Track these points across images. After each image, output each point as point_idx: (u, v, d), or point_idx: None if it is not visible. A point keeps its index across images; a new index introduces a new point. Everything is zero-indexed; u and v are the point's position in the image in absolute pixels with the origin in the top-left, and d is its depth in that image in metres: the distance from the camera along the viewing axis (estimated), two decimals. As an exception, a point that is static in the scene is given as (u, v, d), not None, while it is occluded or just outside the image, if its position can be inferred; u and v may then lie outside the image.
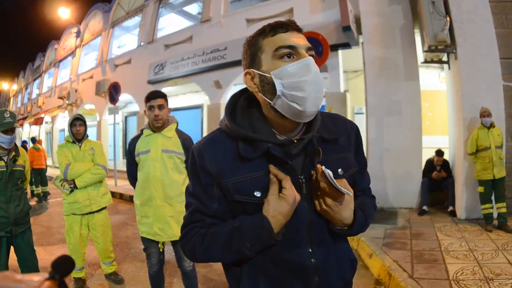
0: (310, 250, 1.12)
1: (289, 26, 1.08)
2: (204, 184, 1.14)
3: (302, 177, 1.11)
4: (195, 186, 1.17)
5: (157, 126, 3.06)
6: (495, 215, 5.54)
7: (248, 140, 1.09)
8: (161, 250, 3.18)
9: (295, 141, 1.10)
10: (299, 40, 1.07)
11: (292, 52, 1.05)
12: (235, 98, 1.23)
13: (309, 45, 1.09)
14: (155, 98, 3.02)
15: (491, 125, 5.60)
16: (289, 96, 1.03)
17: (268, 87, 1.07)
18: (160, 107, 3.02)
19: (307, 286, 1.13)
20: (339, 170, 1.16)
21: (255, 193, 1.08)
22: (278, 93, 1.04)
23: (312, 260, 1.11)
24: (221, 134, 1.16)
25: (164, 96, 3.08)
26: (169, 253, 3.59)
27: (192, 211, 1.17)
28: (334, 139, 1.18)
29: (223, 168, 1.10)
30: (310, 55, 1.07)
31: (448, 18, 6.10)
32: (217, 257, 1.13)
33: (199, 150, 1.15)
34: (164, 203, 3.04)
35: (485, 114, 5.60)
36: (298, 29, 1.10)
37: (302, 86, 1.02)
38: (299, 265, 1.11)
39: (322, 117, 1.19)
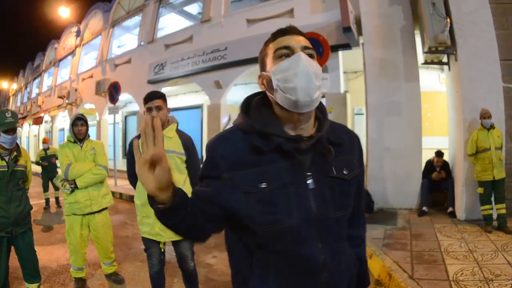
0: (320, 246, 1.15)
1: (287, 30, 1.21)
2: (209, 174, 1.22)
3: (309, 173, 1.15)
4: (202, 172, 1.25)
5: None
6: (494, 216, 5.55)
7: (261, 134, 1.16)
8: (162, 250, 3.19)
9: (305, 138, 1.17)
10: (295, 41, 1.18)
11: (288, 52, 1.16)
12: (249, 98, 1.31)
13: (306, 44, 1.19)
14: (152, 99, 3.02)
15: (491, 127, 5.61)
16: (283, 88, 1.13)
17: (270, 84, 1.18)
18: (158, 108, 3.02)
19: (317, 283, 1.16)
20: (344, 170, 1.22)
21: (260, 185, 1.13)
22: (275, 87, 1.15)
23: (322, 256, 1.15)
24: (233, 132, 1.23)
25: (162, 97, 3.07)
26: (170, 253, 3.59)
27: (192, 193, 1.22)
28: (340, 143, 1.24)
29: (233, 162, 1.16)
30: (307, 53, 1.17)
31: (448, 20, 6.11)
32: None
33: (211, 146, 1.23)
34: None
35: (485, 115, 5.61)
36: (296, 33, 1.21)
37: (292, 78, 1.11)
38: (310, 260, 1.15)
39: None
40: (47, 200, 9.44)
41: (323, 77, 6.60)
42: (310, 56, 1.17)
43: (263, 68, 1.25)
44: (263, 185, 1.12)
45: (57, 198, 9.51)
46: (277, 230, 1.13)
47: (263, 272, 1.20)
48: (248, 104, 1.28)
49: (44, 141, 9.84)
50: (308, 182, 1.15)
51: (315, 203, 1.14)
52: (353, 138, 1.33)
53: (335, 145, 1.20)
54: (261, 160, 1.15)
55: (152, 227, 3.07)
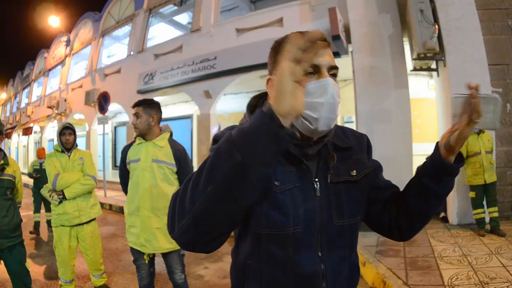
0: (320, 255, 1.09)
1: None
2: None
3: (316, 179, 1.11)
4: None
5: (136, 134, 3.07)
6: (487, 220, 5.57)
7: None
8: (146, 261, 3.09)
9: (312, 143, 1.11)
10: (323, 58, 1.03)
11: (313, 71, 1.02)
12: (257, 98, 1.18)
13: (334, 63, 1.06)
14: (134, 106, 3.07)
15: (481, 131, 5.64)
16: (303, 114, 1.00)
17: None
18: (136, 115, 3.03)
19: None
20: (353, 172, 1.16)
21: (274, 182, 1.05)
22: None
23: (321, 266, 1.09)
24: None
25: (141, 104, 3.05)
26: (160, 265, 3.52)
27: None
28: (347, 147, 1.19)
29: None
30: (332, 74, 1.05)
31: (436, 26, 6.16)
32: (203, 189, 0.85)
33: (224, 132, 1.06)
34: (151, 214, 2.98)
35: None
36: (324, 45, 1.04)
37: (316, 107, 1.00)
38: (307, 269, 1.08)
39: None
40: (36, 224, 7.61)
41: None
42: (334, 76, 1.06)
43: (275, 72, 1.04)
44: (277, 183, 1.05)
45: (49, 221, 7.66)
46: (280, 236, 1.06)
47: (258, 282, 1.12)
48: (256, 104, 1.17)
49: (39, 156, 8.05)
50: (315, 188, 1.10)
51: (321, 210, 1.09)
52: (361, 138, 1.27)
53: (342, 150, 1.16)
54: None
55: (138, 237, 3.00)
